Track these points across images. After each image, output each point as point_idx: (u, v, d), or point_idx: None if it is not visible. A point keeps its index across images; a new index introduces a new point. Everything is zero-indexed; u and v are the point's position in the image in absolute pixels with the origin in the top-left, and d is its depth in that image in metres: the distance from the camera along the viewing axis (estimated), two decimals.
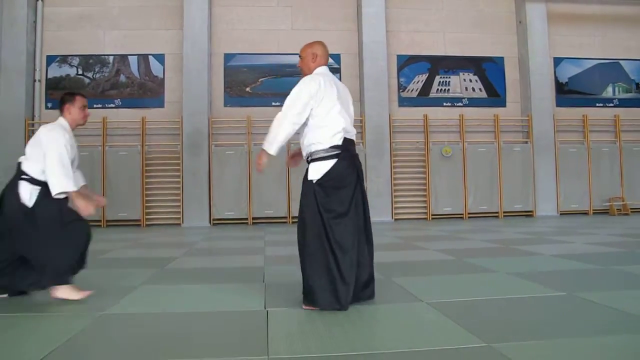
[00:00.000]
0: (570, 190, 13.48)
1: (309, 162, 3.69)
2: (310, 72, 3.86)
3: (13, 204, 3.91)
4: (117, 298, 3.93)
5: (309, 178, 3.61)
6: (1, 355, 2.70)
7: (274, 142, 3.61)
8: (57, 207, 3.93)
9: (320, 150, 3.61)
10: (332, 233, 3.49)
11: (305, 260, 3.56)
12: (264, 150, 3.65)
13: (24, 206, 3.89)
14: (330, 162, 3.58)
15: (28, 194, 3.92)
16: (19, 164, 4.05)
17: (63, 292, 3.85)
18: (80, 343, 2.87)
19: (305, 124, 3.68)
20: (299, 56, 3.98)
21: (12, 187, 3.97)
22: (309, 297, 3.53)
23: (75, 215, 3.99)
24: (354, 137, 3.80)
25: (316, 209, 3.54)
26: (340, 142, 3.63)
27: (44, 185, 3.94)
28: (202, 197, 12.30)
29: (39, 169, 3.96)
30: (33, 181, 3.96)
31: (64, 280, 3.87)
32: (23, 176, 3.97)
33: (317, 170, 3.59)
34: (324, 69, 3.90)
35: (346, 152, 3.65)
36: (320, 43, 3.99)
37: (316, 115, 3.64)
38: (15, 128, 12.09)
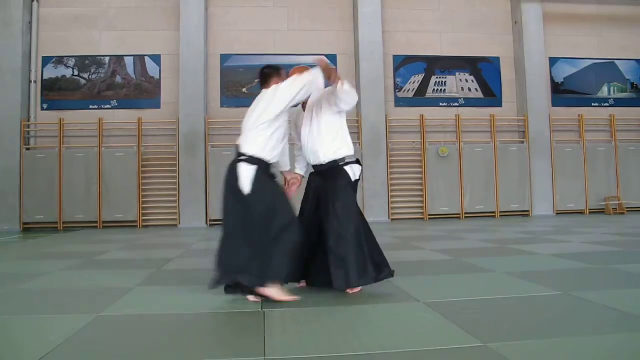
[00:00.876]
0: (567, 189, 13.53)
1: (341, 165, 4.07)
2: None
3: (232, 188, 3.86)
4: (113, 299, 3.92)
5: (353, 179, 4.08)
6: None
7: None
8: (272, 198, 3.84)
9: (351, 155, 4.13)
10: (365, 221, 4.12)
11: (358, 244, 3.90)
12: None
13: (239, 191, 3.81)
14: (360, 167, 4.19)
15: (246, 175, 3.81)
16: (237, 146, 3.97)
17: (272, 291, 3.74)
18: (77, 344, 2.86)
19: (332, 129, 4.15)
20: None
21: (232, 170, 3.89)
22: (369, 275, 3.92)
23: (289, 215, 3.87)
24: None
25: (356, 202, 4.09)
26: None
27: (260, 165, 3.85)
28: (198, 198, 12.29)
29: (257, 146, 3.87)
30: (251, 161, 3.84)
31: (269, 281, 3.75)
32: (241, 157, 3.88)
33: (354, 173, 4.10)
34: None
35: None
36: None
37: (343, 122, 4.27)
38: (11, 129, 12.06)
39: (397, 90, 13.59)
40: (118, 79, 12.92)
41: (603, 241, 7.18)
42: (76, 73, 12.85)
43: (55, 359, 2.59)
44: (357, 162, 4.17)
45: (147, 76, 12.98)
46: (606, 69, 14.35)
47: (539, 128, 13.49)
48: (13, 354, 2.70)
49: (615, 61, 14.38)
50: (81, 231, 11.51)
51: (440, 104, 13.70)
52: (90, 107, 12.80)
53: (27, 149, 12.31)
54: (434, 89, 13.71)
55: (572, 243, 7.11)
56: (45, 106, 12.68)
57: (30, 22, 12.61)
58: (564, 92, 14.20)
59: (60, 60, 12.81)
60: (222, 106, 13.06)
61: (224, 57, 13.16)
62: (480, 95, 13.85)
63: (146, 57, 12.98)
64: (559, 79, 14.19)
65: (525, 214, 13.33)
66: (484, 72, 13.89)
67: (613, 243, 6.97)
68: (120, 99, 12.90)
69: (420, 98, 13.64)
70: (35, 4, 12.65)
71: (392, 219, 12.84)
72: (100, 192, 12.16)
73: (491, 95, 13.89)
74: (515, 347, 2.64)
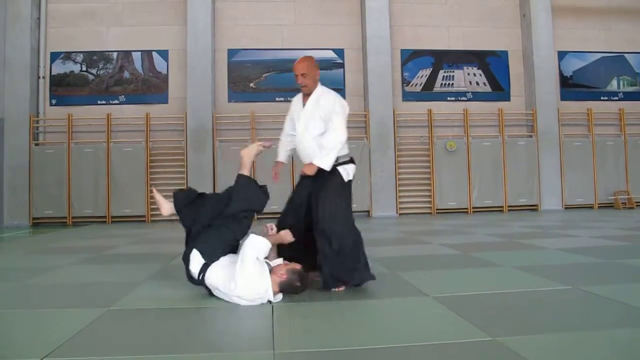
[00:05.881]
0: (575, 184, 13.45)
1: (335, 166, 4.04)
2: (315, 86, 4.16)
3: None
4: (123, 293, 3.95)
5: (346, 179, 4.07)
6: (13, 347, 2.73)
7: (331, 158, 3.99)
8: None
9: (343, 155, 4.08)
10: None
11: (354, 245, 3.99)
12: (318, 166, 3.98)
13: None
14: (354, 165, 4.16)
15: None
16: None
17: None
18: (88, 338, 2.88)
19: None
20: (302, 74, 4.12)
21: None
22: (355, 276, 3.94)
23: None
24: None
25: (350, 202, 4.13)
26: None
27: None
28: None
29: None
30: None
31: None
32: None
33: (348, 172, 4.09)
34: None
35: None
36: (313, 57, 4.32)
37: None
38: (20, 125, 12.13)
39: (405, 85, 13.54)
40: (126, 74, 12.95)
41: (612, 235, 7.15)
42: (84, 68, 12.89)
43: (66, 353, 2.62)
44: (351, 160, 4.17)
45: (155, 71, 13.00)
46: (615, 63, 14.24)
47: (547, 122, 13.41)
48: (25, 348, 2.73)
49: (625, 54, 14.26)
50: (90, 226, 11.58)
51: (448, 98, 13.65)
52: (99, 102, 12.84)
53: (36, 145, 12.38)
54: (441, 83, 13.66)
55: (581, 237, 7.09)
56: (53, 102, 12.74)
57: (39, 18, 12.66)
58: (573, 86, 14.10)
59: (68, 56, 12.85)
60: (229, 101, 13.07)
61: (231, 52, 13.16)
62: (488, 89, 13.78)
63: (154, 53, 13.00)
64: (568, 73, 14.10)
65: (533, 208, 13.28)
66: (492, 65, 13.81)
67: (622, 237, 6.94)
68: (128, 94, 12.94)
69: (428, 92, 13.60)
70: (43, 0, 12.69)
71: (400, 214, 12.82)
72: (109, 187, 12.21)
73: (499, 89, 13.82)
74: (524, 341, 2.64)
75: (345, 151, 4.09)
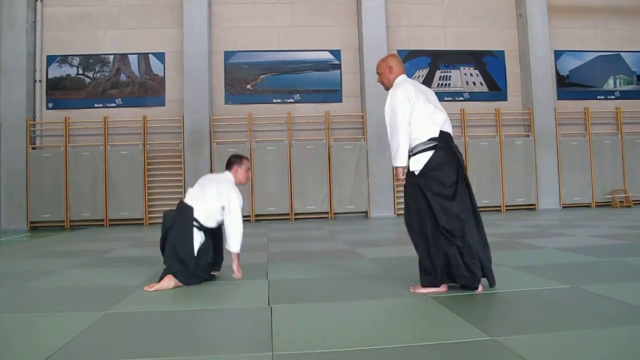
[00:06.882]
0: (573, 183, 13.48)
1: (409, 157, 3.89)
2: (391, 84, 4.05)
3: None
4: (121, 296, 3.94)
5: (413, 170, 3.86)
6: (8, 353, 2.71)
7: (397, 155, 3.82)
8: None
9: (423, 142, 3.82)
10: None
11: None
12: (395, 167, 3.91)
13: None
14: (429, 152, 3.80)
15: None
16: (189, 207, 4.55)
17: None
18: (86, 342, 2.87)
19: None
20: (377, 73, 4.16)
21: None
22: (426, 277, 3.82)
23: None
24: (450, 131, 3.97)
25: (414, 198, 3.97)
26: (437, 135, 3.82)
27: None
28: None
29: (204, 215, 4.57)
30: (200, 227, 4.55)
31: None
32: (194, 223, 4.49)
33: (417, 161, 3.84)
34: (403, 77, 4.07)
35: (443, 142, 3.84)
36: (393, 55, 4.23)
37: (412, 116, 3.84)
38: (16, 129, 12.11)
39: None
40: (122, 77, 12.94)
41: (610, 234, 7.16)
42: (80, 72, 12.88)
43: (63, 357, 2.60)
44: (432, 147, 3.81)
45: (152, 74, 13.00)
46: (611, 61, 14.27)
47: (544, 121, 13.43)
48: (21, 352, 2.72)
49: (621, 53, 14.30)
50: (88, 229, 11.56)
51: (445, 99, 13.63)
52: (95, 105, 12.83)
53: (33, 148, 12.36)
54: (438, 83, 13.67)
55: (579, 236, 7.09)
56: (50, 105, 12.72)
57: (35, 22, 12.64)
58: (569, 85, 14.13)
59: (64, 59, 12.84)
60: (226, 103, 13.06)
61: (228, 54, 13.15)
62: (485, 89, 13.80)
63: (150, 55, 12.99)
64: (564, 72, 14.12)
65: (531, 207, 13.29)
66: (489, 65, 13.84)
67: (620, 236, 6.94)
68: (125, 97, 12.93)
69: None
70: (39, 3, 12.68)
71: (398, 214, 12.81)
72: (107, 190, 12.20)
73: (496, 89, 13.84)
74: (523, 340, 2.63)
75: (424, 137, 3.80)
